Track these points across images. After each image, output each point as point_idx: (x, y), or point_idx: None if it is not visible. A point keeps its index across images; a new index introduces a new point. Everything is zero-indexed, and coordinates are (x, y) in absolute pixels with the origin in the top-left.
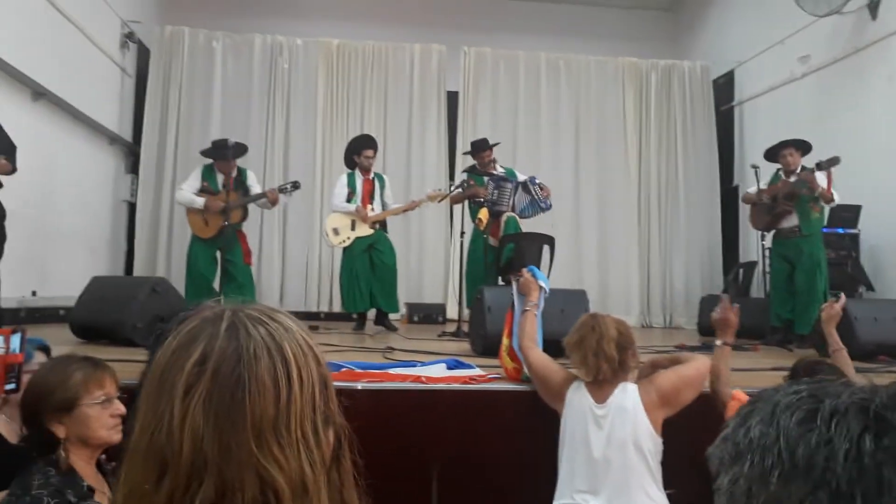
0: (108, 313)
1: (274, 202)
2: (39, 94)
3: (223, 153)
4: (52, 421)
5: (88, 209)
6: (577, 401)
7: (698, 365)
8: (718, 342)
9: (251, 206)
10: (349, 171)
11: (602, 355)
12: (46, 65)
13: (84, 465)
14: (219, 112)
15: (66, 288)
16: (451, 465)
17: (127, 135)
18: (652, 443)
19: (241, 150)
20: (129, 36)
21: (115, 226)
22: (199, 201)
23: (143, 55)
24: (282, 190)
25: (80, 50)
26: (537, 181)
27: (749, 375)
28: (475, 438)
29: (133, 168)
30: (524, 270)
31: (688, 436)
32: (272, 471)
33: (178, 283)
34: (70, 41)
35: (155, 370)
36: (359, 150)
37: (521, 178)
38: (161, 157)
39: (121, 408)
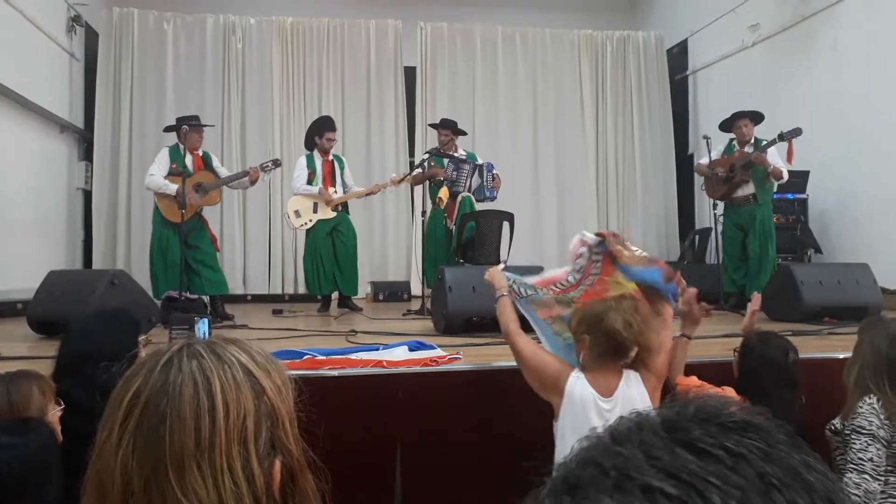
0: (66, 308)
1: (255, 181)
2: None
3: (193, 123)
4: None
5: (42, 200)
6: (579, 393)
7: (670, 332)
8: (679, 333)
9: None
10: (307, 152)
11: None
12: None
13: None
14: (172, 95)
15: (22, 281)
16: (414, 447)
17: (78, 121)
18: None
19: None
20: (76, 19)
21: (71, 215)
22: (172, 188)
23: (92, 39)
24: (263, 168)
25: (25, 36)
26: (494, 171)
27: (702, 344)
28: (436, 419)
29: (87, 155)
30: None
31: None
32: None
33: (140, 271)
34: (14, 27)
35: (111, 398)
36: (321, 132)
37: (481, 162)
38: (115, 142)
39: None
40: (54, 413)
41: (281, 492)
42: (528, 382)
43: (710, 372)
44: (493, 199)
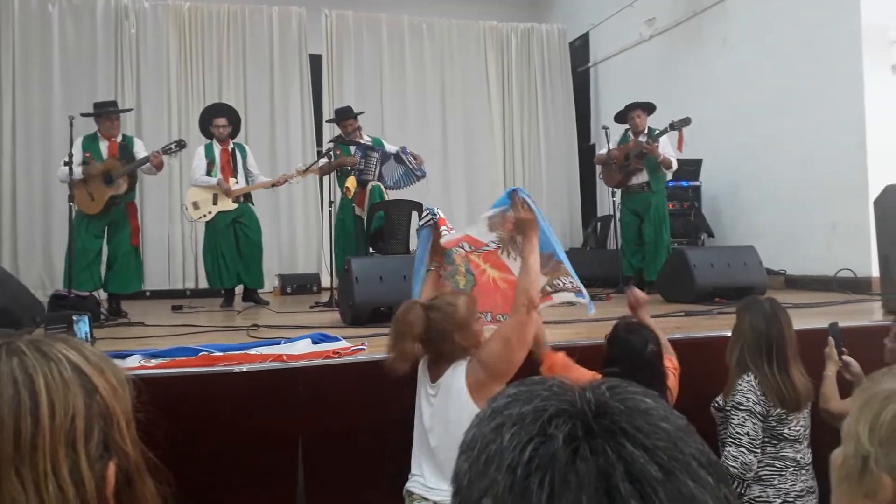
0: None
1: (159, 166)
2: None
3: (105, 110)
4: None
5: None
6: (420, 376)
7: (517, 320)
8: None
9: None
10: (207, 141)
11: (454, 343)
12: None
13: None
14: (59, 82)
15: None
16: (317, 440)
17: None
18: None
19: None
20: None
21: None
22: (78, 171)
23: None
24: (166, 151)
25: None
26: (409, 151)
27: (602, 326)
28: (339, 412)
29: None
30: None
31: None
32: None
33: (27, 268)
34: None
35: None
36: (210, 120)
37: (391, 148)
38: None
39: None
40: None
41: (116, 496)
42: None
43: (593, 354)
44: (424, 176)
